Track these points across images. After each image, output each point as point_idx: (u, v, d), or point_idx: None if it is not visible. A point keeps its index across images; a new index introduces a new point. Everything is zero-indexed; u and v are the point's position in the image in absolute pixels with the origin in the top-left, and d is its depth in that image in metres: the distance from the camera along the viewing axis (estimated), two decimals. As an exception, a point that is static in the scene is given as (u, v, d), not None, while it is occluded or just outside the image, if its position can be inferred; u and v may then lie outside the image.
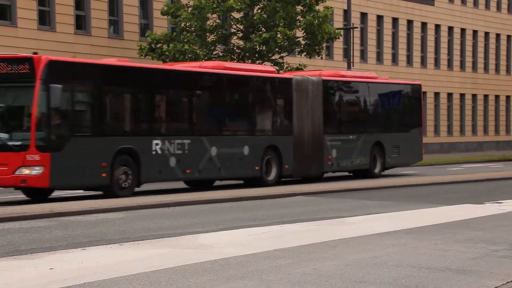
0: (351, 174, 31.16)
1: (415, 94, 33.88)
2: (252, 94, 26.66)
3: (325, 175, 30.38)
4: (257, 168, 25.92)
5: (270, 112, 27.41)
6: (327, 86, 29.06)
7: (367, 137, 30.51)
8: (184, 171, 23.71)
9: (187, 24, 35.45)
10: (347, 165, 29.77)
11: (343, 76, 30.59)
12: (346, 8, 42.93)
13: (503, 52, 65.72)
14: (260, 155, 26.06)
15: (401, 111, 32.89)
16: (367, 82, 31.32)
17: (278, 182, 26.68)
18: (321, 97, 28.45)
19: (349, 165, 29.89)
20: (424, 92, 57.71)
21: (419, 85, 34.23)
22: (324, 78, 28.94)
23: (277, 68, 36.24)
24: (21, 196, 22.16)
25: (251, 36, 35.21)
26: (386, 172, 32.28)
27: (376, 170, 30.88)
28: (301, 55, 37.91)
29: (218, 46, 36.77)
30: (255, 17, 35.63)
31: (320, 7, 37.15)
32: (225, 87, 25.86)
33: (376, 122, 31.54)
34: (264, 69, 28.15)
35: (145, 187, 24.70)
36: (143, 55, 35.13)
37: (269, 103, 27.46)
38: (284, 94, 27.56)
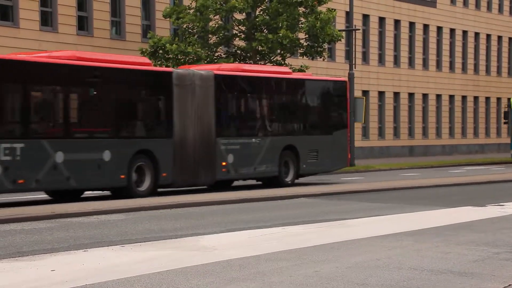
0: (260, 182, 27.45)
1: (340, 92, 29.46)
2: (116, 90, 22.54)
3: (235, 183, 27.28)
4: (122, 176, 22.05)
5: (143, 111, 23.81)
6: (221, 82, 24.99)
7: (276, 140, 26.54)
8: (14, 181, 19.70)
9: (190, 26, 35.50)
10: (248, 172, 25.78)
11: (244, 70, 26.60)
12: (348, 10, 42.92)
13: (504, 54, 65.73)
14: (127, 161, 22.11)
15: (321, 111, 28.81)
16: (276, 78, 27.19)
17: (153, 192, 22.84)
18: (213, 94, 24.55)
19: (251, 172, 25.90)
20: (426, 94, 57.83)
21: (345, 82, 29.99)
22: (216, 72, 24.98)
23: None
24: (22, 197, 22.15)
25: (255, 35, 35.22)
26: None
27: (288, 178, 26.99)
28: (303, 57, 37.92)
29: (220, 48, 36.82)
30: (257, 19, 35.67)
31: (322, 8, 37.17)
32: (80, 81, 21.77)
33: (288, 123, 27.49)
34: (136, 61, 23.95)
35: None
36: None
37: (140, 100, 23.84)
38: (161, 91, 23.79)
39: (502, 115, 47.51)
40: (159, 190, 23.67)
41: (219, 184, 25.55)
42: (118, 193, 22.27)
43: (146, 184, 22.72)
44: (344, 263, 11.28)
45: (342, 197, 22.99)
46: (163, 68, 25.05)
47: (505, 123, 45.69)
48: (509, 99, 47.64)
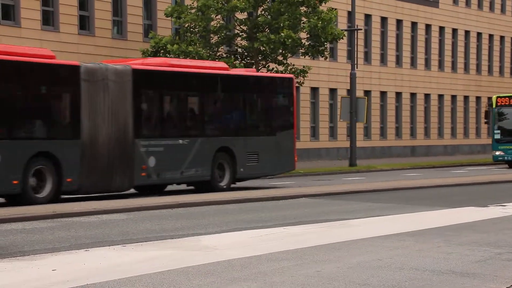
0: (192, 187, 25.25)
1: (285, 89, 27.24)
2: (7, 85, 20.19)
3: (168, 187, 25.38)
4: (15, 182, 19.72)
5: (43, 110, 21.08)
6: (140, 77, 22.84)
7: (208, 142, 24.47)
8: None
9: (191, 25, 35.51)
10: (174, 177, 23.64)
11: (172, 65, 24.31)
12: (350, 9, 42.92)
13: (507, 54, 65.68)
14: (21, 165, 19.79)
15: (263, 110, 26.84)
16: (208, 74, 24.91)
17: (56, 199, 20.67)
18: (130, 90, 22.33)
19: (178, 177, 23.74)
20: (428, 94, 57.79)
21: (291, 79, 27.76)
22: (134, 67, 22.74)
23: (282, 69, 36.27)
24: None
25: (257, 35, 35.19)
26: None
27: (223, 183, 24.89)
28: (304, 57, 37.89)
29: (222, 47, 36.82)
30: (259, 18, 35.65)
31: (323, 8, 37.14)
32: None
33: (222, 123, 25.36)
34: (36, 53, 21.37)
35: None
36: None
37: (40, 97, 21.22)
38: (67, 87, 21.52)
39: (483, 115, 46.97)
40: (65, 196, 21.68)
41: (148, 188, 24.03)
42: (14, 199, 20.09)
43: (46, 190, 20.53)
44: (346, 263, 11.27)
45: (343, 197, 22.97)
46: (68, 62, 22.38)
47: (485, 122, 45.42)
48: (490, 98, 47.16)
